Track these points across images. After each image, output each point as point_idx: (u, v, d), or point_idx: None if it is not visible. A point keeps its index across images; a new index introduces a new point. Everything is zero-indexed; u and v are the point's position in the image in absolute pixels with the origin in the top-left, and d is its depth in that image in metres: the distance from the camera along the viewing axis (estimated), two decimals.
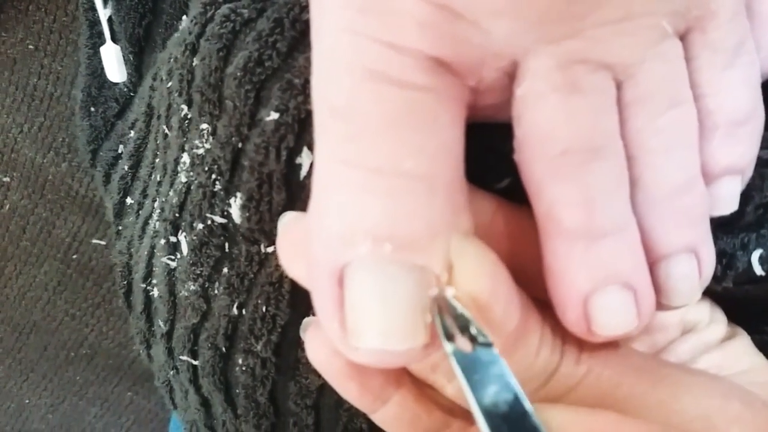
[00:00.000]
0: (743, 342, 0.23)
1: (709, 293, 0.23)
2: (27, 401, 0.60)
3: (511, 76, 0.18)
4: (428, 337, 0.17)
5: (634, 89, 0.18)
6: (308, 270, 0.18)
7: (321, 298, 0.18)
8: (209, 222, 0.26)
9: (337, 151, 0.17)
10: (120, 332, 0.57)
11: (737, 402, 0.19)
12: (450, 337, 0.16)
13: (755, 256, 0.21)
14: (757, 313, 0.24)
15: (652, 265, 0.19)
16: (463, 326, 0.16)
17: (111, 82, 0.40)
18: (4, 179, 0.51)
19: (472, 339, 0.16)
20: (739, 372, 0.22)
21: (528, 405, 0.15)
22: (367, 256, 0.17)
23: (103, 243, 0.53)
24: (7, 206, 0.52)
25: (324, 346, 0.20)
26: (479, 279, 0.17)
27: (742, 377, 0.22)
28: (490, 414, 0.15)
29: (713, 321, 0.23)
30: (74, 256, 0.53)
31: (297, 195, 0.24)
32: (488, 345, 0.16)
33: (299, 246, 0.20)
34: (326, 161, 0.18)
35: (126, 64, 0.39)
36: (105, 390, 0.59)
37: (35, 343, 0.57)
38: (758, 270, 0.21)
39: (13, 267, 0.54)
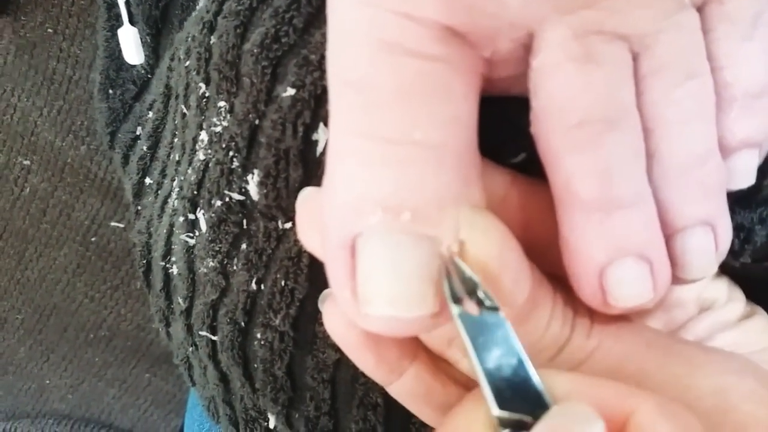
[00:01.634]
0: (762, 320, 0.23)
1: (728, 270, 0.23)
2: (47, 382, 0.61)
3: (526, 47, 0.18)
4: (437, 305, 0.17)
5: (650, 61, 0.18)
6: (322, 241, 0.19)
7: (333, 268, 0.18)
8: (227, 199, 0.27)
9: (351, 123, 0.18)
10: (138, 314, 0.57)
11: (751, 379, 0.19)
12: (457, 301, 0.16)
13: None
14: None
15: (669, 238, 0.19)
16: (471, 290, 0.16)
17: (129, 65, 0.40)
18: (25, 162, 0.51)
19: (479, 303, 0.16)
20: (757, 350, 0.22)
21: (532, 369, 0.15)
22: (378, 225, 0.17)
23: (121, 226, 0.54)
24: (28, 189, 0.52)
25: (341, 317, 0.20)
26: (488, 250, 0.17)
27: (760, 355, 0.22)
28: (493, 377, 0.15)
29: (731, 299, 0.23)
30: (93, 239, 0.54)
31: (313, 171, 0.24)
32: (495, 309, 0.16)
33: (316, 220, 0.20)
34: (339, 133, 0.18)
35: (143, 46, 0.39)
36: (123, 371, 0.60)
37: (55, 325, 0.58)
38: None
39: (34, 249, 0.55)
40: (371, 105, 0.17)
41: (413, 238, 0.17)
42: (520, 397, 0.15)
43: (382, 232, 0.17)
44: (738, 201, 0.21)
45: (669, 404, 0.15)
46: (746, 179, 0.20)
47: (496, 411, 0.15)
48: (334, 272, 0.18)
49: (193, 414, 0.45)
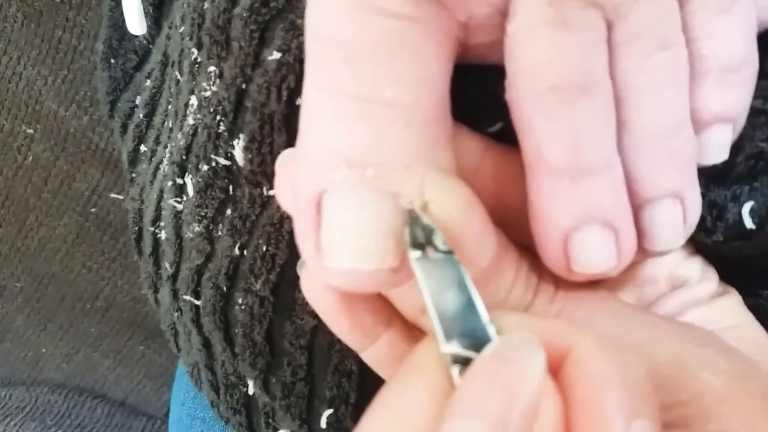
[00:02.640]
0: (732, 300, 0.23)
1: (701, 248, 0.23)
2: (44, 350, 0.61)
3: (503, 13, 0.18)
4: (397, 260, 0.17)
5: (624, 29, 0.18)
6: (292, 198, 0.19)
7: (299, 223, 0.18)
8: (213, 164, 0.27)
9: (322, 79, 0.18)
10: (134, 287, 0.58)
11: (711, 349, 0.19)
12: (417, 248, 0.17)
13: (746, 209, 0.21)
14: (752, 275, 0.24)
15: (637, 209, 0.20)
16: (428, 237, 0.17)
17: (131, 35, 0.41)
18: (28, 131, 0.52)
19: (436, 249, 0.16)
20: (725, 328, 0.22)
21: (481, 307, 0.16)
22: (343, 181, 0.17)
23: (121, 198, 0.54)
24: (31, 158, 0.53)
25: (318, 281, 0.21)
26: (451, 212, 0.17)
27: (728, 333, 0.22)
28: (445, 316, 0.16)
29: (704, 278, 0.23)
30: (93, 210, 0.55)
31: (297, 137, 0.24)
32: (449, 253, 0.16)
33: (291, 179, 0.21)
34: (311, 89, 0.18)
35: (146, 16, 0.39)
36: (118, 343, 0.61)
37: (53, 294, 0.59)
38: (748, 223, 0.21)
39: (35, 218, 0.55)
40: (342, 62, 0.18)
41: (376, 193, 0.17)
42: (471, 335, 0.15)
43: (346, 187, 0.17)
44: (712, 178, 0.21)
45: (608, 342, 0.15)
46: (719, 154, 0.20)
47: (446, 347, 0.15)
48: (300, 227, 0.18)
49: (180, 383, 0.45)
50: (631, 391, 0.14)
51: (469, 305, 0.16)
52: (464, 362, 0.15)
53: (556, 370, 0.15)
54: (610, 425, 0.14)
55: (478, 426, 0.14)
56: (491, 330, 0.15)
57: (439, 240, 0.16)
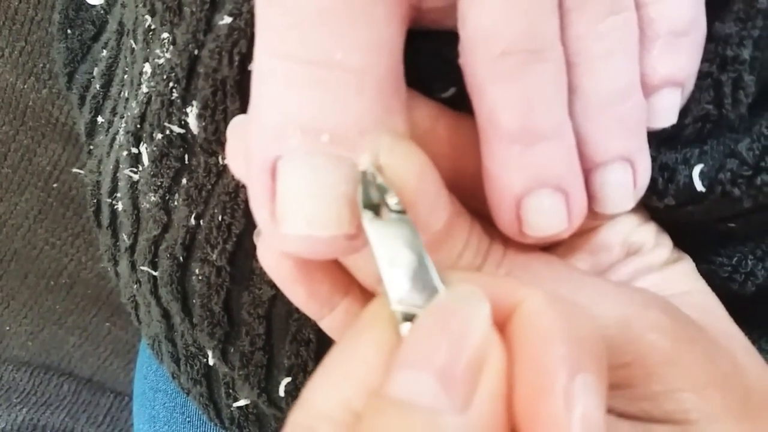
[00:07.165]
0: (685, 266, 0.24)
1: (655, 214, 0.23)
2: (8, 328, 0.60)
3: None
4: (353, 227, 0.17)
5: None
6: (246, 166, 0.19)
7: (254, 190, 0.18)
8: (168, 132, 0.27)
9: (272, 44, 0.18)
10: (99, 263, 0.57)
11: (657, 310, 0.19)
12: (370, 209, 0.17)
13: (696, 171, 0.21)
14: (704, 242, 0.25)
15: (588, 172, 0.20)
16: (382, 198, 0.17)
17: (88, 5, 0.40)
18: None
19: (389, 209, 0.17)
20: (677, 294, 0.23)
21: (431, 266, 0.16)
22: (297, 147, 0.17)
23: (83, 173, 0.53)
24: None
25: (274, 250, 0.21)
26: (405, 177, 0.17)
27: (680, 298, 0.22)
28: (396, 274, 0.16)
29: (658, 245, 0.24)
30: (55, 185, 0.54)
31: (249, 104, 0.24)
32: (402, 212, 0.16)
33: (244, 146, 0.20)
34: (262, 54, 0.18)
35: None
36: (84, 320, 0.60)
37: (16, 271, 0.58)
38: (699, 186, 0.21)
39: None
40: (292, 25, 0.17)
41: (331, 159, 0.17)
42: (421, 293, 0.15)
43: (301, 153, 0.17)
44: (663, 142, 0.22)
45: (557, 297, 0.15)
46: (668, 118, 0.20)
47: (396, 305, 0.15)
48: (254, 195, 0.18)
49: (143, 357, 0.45)
50: (577, 346, 0.14)
51: (420, 264, 0.16)
52: (414, 320, 0.15)
53: (504, 325, 0.15)
54: (553, 378, 0.14)
55: (424, 377, 0.14)
56: (440, 287, 0.15)
57: (392, 200, 0.16)
